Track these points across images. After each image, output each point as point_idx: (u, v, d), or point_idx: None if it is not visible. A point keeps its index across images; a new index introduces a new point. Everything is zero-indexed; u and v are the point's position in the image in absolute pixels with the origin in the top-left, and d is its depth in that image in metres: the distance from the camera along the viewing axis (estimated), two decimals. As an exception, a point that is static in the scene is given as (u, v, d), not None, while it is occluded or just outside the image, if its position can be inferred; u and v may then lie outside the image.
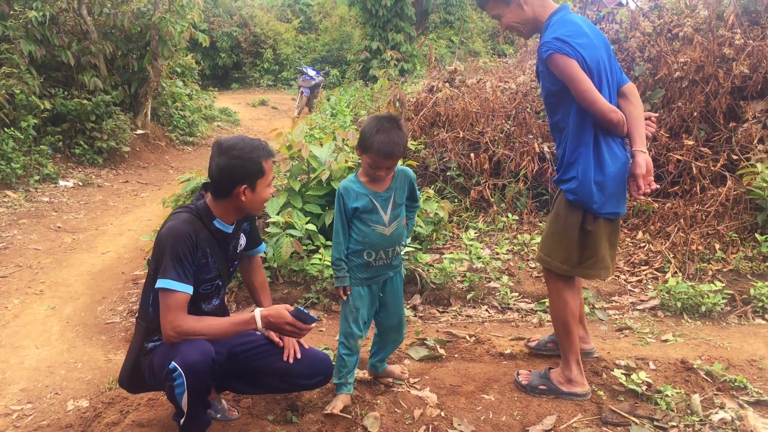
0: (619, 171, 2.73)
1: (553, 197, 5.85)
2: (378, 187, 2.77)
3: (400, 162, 2.90)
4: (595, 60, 2.65)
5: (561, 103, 2.74)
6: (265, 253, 4.33)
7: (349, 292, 2.83)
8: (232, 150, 2.40)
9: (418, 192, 2.98)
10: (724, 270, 4.59)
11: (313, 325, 2.47)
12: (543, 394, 2.99)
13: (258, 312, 2.43)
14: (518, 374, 3.13)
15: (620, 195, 2.78)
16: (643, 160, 2.65)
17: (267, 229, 4.43)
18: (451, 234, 5.58)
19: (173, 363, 2.24)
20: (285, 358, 2.68)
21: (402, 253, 2.97)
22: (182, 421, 2.38)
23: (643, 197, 2.86)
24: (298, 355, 2.71)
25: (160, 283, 2.31)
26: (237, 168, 2.40)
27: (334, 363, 2.99)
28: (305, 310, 2.42)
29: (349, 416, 2.81)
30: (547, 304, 4.08)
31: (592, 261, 2.82)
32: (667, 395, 2.93)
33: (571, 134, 2.73)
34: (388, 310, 2.98)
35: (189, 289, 2.35)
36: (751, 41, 5.57)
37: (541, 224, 5.60)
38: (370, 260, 2.80)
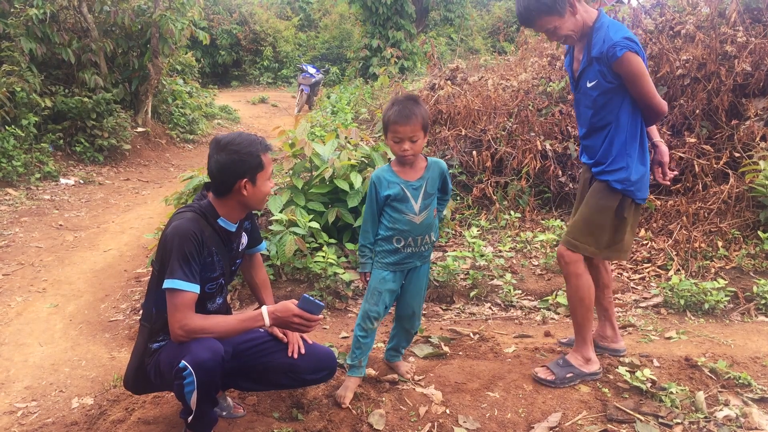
0: (651, 160, 3.06)
1: (555, 194, 5.87)
2: (410, 176, 2.85)
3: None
4: (645, 58, 2.89)
5: (612, 101, 2.90)
6: (268, 250, 4.35)
7: (369, 278, 2.96)
8: (230, 145, 2.41)
9: (450, 185, 3.05)
10: (727, 267, 4.60)
11: (321, 316, 2.47)
12: (571, 381, 3.09)
13: (265, 308, 2.44)
14: (537, 373, 3.15)
15: (648, 182, 3.05)
16: (666, 149, 3.07)
17: (270, 227, 4.43)
18: (453, 232, 5.58)
19: (183, 362, 2.24)
20: (289, 354, 2.69)
21: (432, 242, 3.02)
22: (190, 418, 2.37)
23: (668, 183, 3.22)
24: (303, 351, 2.71)
25: (168, 283, 2.30)
26: (237, 163, 2.41)
27: (338, 359, 3.02)
28: (312, 298, 2.42)
29: (354, 412, 2.82)
30: (551, 299, 4.12)
31: (619, 245, 3.06)
32: (671, 392, 2.93)
33: (622, 129, 2.92)
34: (405, 299, 3.05)
35: (196, 289, 2.35)
36: (753, 39, 5.57)
37: (543, 221, 5.60)
38: (399, 246, 2.89)
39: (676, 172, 3.20)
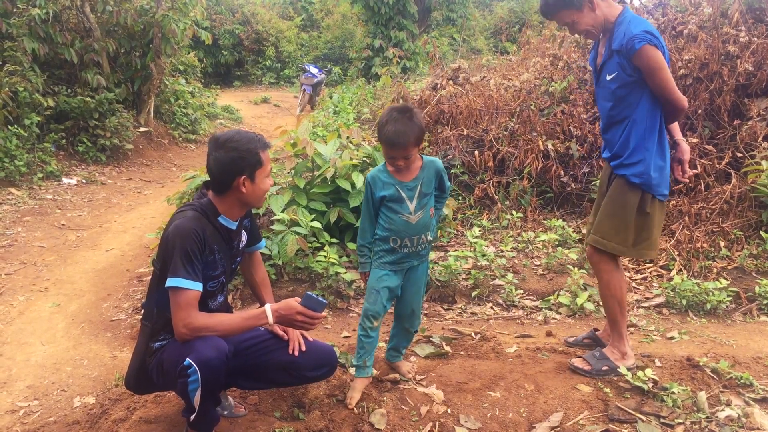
0: (671, 157, 3.04)
1: (557, 194, 5.86)
2: (404, 177, 2.86)
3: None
4: (667, 54, 2.92)
5: (631, 94, 2.94)
6: (270, 250, 4.35)
7: (368, 278, 2.98)
8: (229, 143, 2.42)
9: (447, 183, 3.04)
10: (729, 267, 4.60)
11: (324, 313, 2.48)
12: (606, 374, 3.14)
13: (268, 307, 2.44)
14: (573, 362, 3.24)
15: (669, 179, 3.06)
16: (687, 147, 3.06)
17: (272, 227, 4.43)
18: (455, 231, 5.58)
19: (188, 359, 2.24)
20: (290, 352, 2.69)
21: (429, 242, 3.01)
22: (192, 417, 2.38)
23: (687, 181, 3.25)
24: (303, 348, 2.72)
25: (171, 282, 2.31)
26: (235, 160, 2.41)
27: (339, 359, 3.02)
28: (314, 295, 2.43)
29: (356, 412, 2.83)
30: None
31: (646, 243, 3.05)
32: (673, 392, 2.93)
33: (639, 122, 2.94)
34: (404, 298, 3.06)
35: (199, 287, 2.36)
36: (755, 39, 5.56)
37: (545, 221, 5.60)
38: (396, 246, 2.89)
39: (696, 171, 3.22)
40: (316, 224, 4.47)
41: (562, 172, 5.88)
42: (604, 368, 3.15)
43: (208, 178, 2.53)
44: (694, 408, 2.84)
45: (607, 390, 3.01)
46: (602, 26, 2.98)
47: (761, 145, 5.15)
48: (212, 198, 2.53)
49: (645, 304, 4.34)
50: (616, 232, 3.03)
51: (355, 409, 2.86)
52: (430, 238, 2.98)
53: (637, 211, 2.99)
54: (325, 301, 2.46)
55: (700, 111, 5.59)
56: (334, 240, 4.65)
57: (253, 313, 2.45)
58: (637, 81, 2.89)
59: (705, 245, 4.80)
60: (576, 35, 3.28)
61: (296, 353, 2.69)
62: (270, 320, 2.42)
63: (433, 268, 4.57)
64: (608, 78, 2.99)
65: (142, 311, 2.66)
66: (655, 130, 2.93)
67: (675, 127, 3.11)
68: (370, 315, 2.94)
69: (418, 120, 2.72)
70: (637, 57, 2.80)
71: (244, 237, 2.75)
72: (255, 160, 2.45)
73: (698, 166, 5.34)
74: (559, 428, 2.72)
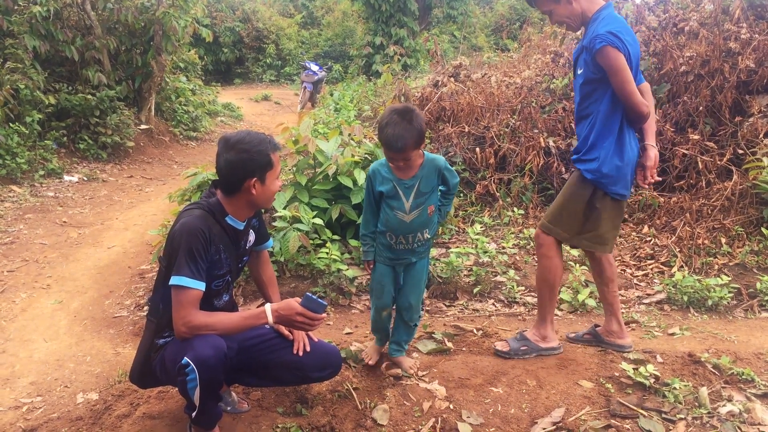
0: (633, 159, 3.04)
1: (558, 190, 5.86)
2: (404, 175, 2.89)
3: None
4: (636, 56, 2.98)
5: (595, 91, 2.98)
6: (272, 247, 4.35)
7: (372, 266, 3.11)
8: (240, 144, 2.40)
9: (455, 179, 3.03)
10: (730, 264, 4.60)
11: (324, 315, 2.47)
12: (526, 354, 3.33)
13: (268, 306, 2.44)
14: (495, 346, 3.43)
15: (629, 180, 3.08)
16: (653, 154, 3.04)
17: (274, 224, 4.44)
18: (456, 228, 5.59)
19: (186, 358, 2.24)
20: (295, 352, 2.69)
21: (427, 240, 3.06)
22: (194, 414, 2.39)
23: (647, 186, 3.29)
24: (308, 348, 2.72)
25: (174, 280, 2.31)
26: (246, 162, 2.40)
27: (343, 356, 3.04)
28: (314, 297, 2.41)
29: (358, 407, 2.84)
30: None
31: (590, 234, 3.14)
32: (674, 388, 2.93)
33: (600, 120, 2.99)
34: (404, 291, 3.14)
35: (202, 286, 2.36)
36: (756, 35, 5.56)
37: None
38: (392, 242, 2.98)
39: (658, 179, 3.26)
40: (318, 221, 4.48)
41: (563, 169, 5.89)
42: (523, 348, 3.33)
43: (216, 178, 2.53)
44: (696, 403, 2.85)
45: (609, 386, 3.01)
46: (581, 19, 3.04)
47: (762, 141, 5.15)
48: (221, 198, 2.52)
49: (646, 301, 4.35)
50: (563, 220, 3.15)
51: (358, 404, 2.87)
52: (427, 236, 3.01)
53: (587, 204, 3.07)
54: (325, 303, 2.44)
55: (701, 108, 5.59)
56: (335, 237, 4.66)
57: (253, 312, 2.45)
58: (601, 79, 2.91)
59: (706, 242, 4.81)
60: (564, 28, 3.36)
61: (301, 353, 2.69)
62: (270, 320, 2.41)
63: (434, 264, 4.57)
64: (578, 72, 3.07)
65: (148, 307, 2.66)
66: (613, 131, 2.96)
67: (648, 130, 3.07)
68: (380, 308, 3.13)
69: (419, 122, 2.72)
70: (598, 57, 2.84)
71: (252, 236, 2.75)
72: (266, 162, 2.44)
73: (699, 163, 5.35)
74: (561, 424, 2.73)
